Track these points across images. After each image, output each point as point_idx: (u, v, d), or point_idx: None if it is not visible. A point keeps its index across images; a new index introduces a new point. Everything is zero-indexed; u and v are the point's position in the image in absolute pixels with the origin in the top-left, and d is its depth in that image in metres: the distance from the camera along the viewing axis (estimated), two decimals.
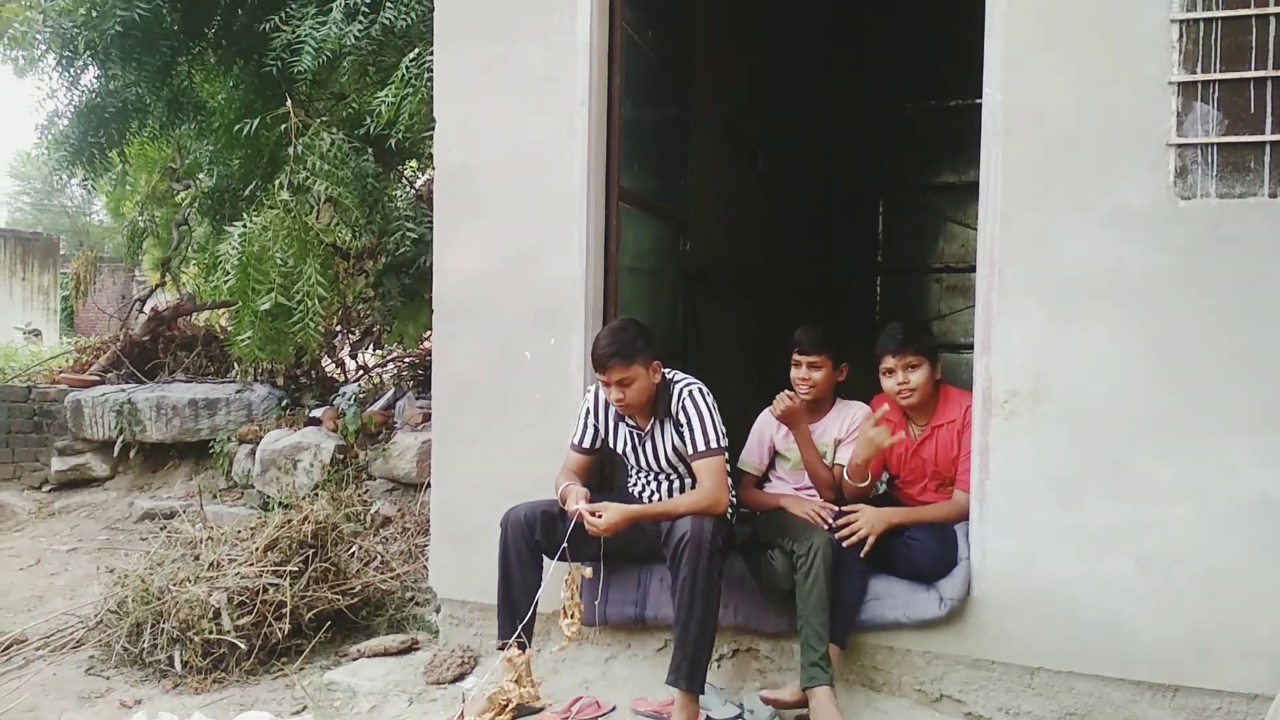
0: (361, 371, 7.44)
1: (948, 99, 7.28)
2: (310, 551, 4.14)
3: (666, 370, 3.40)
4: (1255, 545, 2.87)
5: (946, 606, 3.16)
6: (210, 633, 3.80)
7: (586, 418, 3.48)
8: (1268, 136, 2.87)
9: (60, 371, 7.76)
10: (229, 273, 5.10)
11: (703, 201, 5.17)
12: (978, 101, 3.18)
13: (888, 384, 3.47)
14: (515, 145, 3.76)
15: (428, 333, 5.57)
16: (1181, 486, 2.93)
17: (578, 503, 3.18)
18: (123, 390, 6.92)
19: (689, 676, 3.05)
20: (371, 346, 7.52)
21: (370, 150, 5.55)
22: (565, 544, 3.19)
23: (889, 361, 3.45)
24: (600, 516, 3.12)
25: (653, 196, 4.39)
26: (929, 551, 3.25)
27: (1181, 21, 2.93)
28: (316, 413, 6.15)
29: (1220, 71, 2.91)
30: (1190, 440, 2.93)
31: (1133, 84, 2.98)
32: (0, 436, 7.07)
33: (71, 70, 6.06)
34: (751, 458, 3.69)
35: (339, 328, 7.35)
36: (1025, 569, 3.11)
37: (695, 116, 5.05)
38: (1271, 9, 2.87)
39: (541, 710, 3.28)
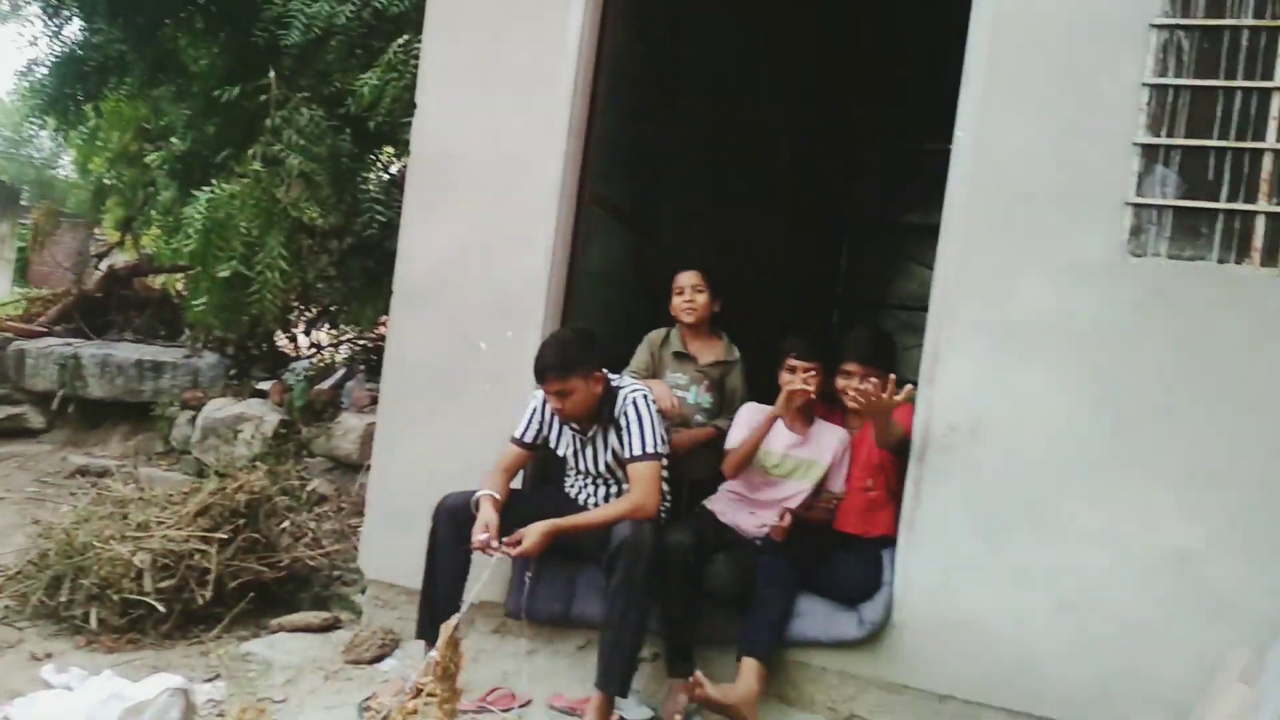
0: (314, 349, 7.40)
1: (923, 141, 7.40)
2: (241, 521, 4.10)
3: (613, 377, 3.43)
4: (1167, 597, 2.94)
5: (866, 629, 3.21)
6: (130, 592, 3.75)
7: (532, 415, 3.48)
8: (1221, 204, 2.98)
9: (8, 320, 7.64)
10: (191, 236, 5.06)
11: (674, 215, 5.22)
12: (950, 147, 3.26)
13: (840, 382, 3.53)
14: (493, 139, 3.79)
15: (383, 317, 5.57)
16: (1104, 533, 3.00)
17: (485, 532, 3.11)
18: (69, 344, 6.82)
19: (622, 681, 3.08)
20: (327, 325, 7.48)
21: (348, 131, 5.56)
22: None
23: (852, 366, 3.52)
24: (524, 538, 3.10)
25: (625, 204, 4.43)
26: (853, 576, 3.30)
27: (1152, 86, 3.03)
28: (264, 385, 6.10)
29: (1183, 137, 3.01)
30: (1117, 489, 3.00)
31: (1099, 141, 3.07)
32: None
33: (55, 20, 6.02)
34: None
35: (296, 303, 7.31)
36: (946, 599, 3.16)
37: (675, 132, 5.10)
38: (1239, 83, 2.98)
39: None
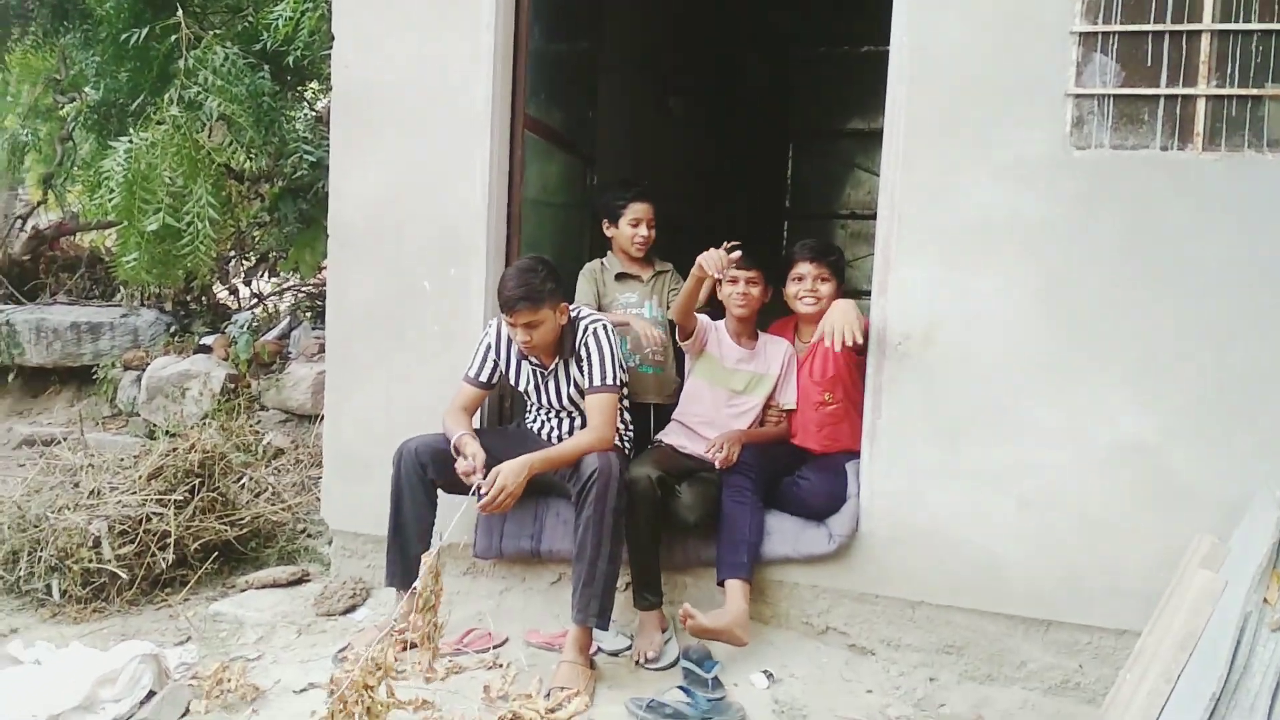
0: (256, 299, 7.23)
1: (860, 45, 7.34)
2: (197, 481, 4.02)
3: (573, 309, 3.36)
4: (1128, 489, 2.98)
5: (835, 542, 3.23)
6: (90, 561, 3.68)
7: (487, 352, 3.41)
8: (1162, 90, 2.94)
9: None
10: (114, 191, 4.86)
11: (613, 138, 5.10)
12: (888, 49, 3.17)
13: (793, 289, 3.53)
14: (417, 65, 3.64)
15: (326, 261, 5.45)
16: (1062, 430, 3.03)
17: (474, 467, 3.06)
18: (0, 311, 6.60)
19: (599, 614, 3.06)
20: (267, 274, 7.30)
21: (267, 68, 5.33)
22: (477, 496, 3.06)
23: (803, 268, 3.53)
24: (498, 479, 3.03)
25: (561, 129, 4.31)
26: (818, 491, 3.31)
27: None
28: (207, 340, 5.97)
29: (1120, 23, 2.96)
30: (1072, 386, 3.02)
31: (1036, 32, 3.01)
32: None
33: None
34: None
35: (233, 253, 7.12)
36: (911, 507, 3.19)
37: (608, 51, 4.96)
38: None
39: None
